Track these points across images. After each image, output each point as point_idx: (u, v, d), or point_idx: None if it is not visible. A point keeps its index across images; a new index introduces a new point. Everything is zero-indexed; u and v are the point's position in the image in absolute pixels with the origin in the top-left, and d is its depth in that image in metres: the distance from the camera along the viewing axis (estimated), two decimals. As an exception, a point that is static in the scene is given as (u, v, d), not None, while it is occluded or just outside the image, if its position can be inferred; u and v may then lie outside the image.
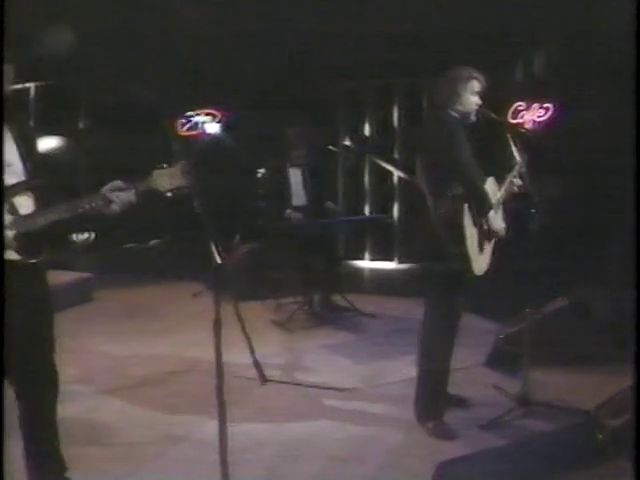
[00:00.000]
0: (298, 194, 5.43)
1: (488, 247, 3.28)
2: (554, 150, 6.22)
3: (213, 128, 8.87)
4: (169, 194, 2.40)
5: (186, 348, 4.64)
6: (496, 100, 6.32)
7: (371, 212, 7.78)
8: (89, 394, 3.86)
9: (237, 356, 4.46)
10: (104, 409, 3.67)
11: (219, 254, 2.23)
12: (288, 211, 5.30)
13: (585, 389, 3.76)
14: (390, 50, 6.86)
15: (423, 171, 3.24)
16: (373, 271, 7.53)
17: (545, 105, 6.95)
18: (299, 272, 5.33)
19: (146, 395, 3.85)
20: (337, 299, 5.54)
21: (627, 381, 2.97)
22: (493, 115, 3.26)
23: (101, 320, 5.49)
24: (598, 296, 4.65)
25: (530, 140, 3.32)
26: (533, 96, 6.95)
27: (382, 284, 6.70)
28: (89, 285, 6.27)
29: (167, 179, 2.38)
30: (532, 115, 7.04)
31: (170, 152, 8.53)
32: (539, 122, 6.99)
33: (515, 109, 7.12)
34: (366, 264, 7.77)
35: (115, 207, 2.40)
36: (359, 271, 7.54)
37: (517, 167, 3.27)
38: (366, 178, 8.18)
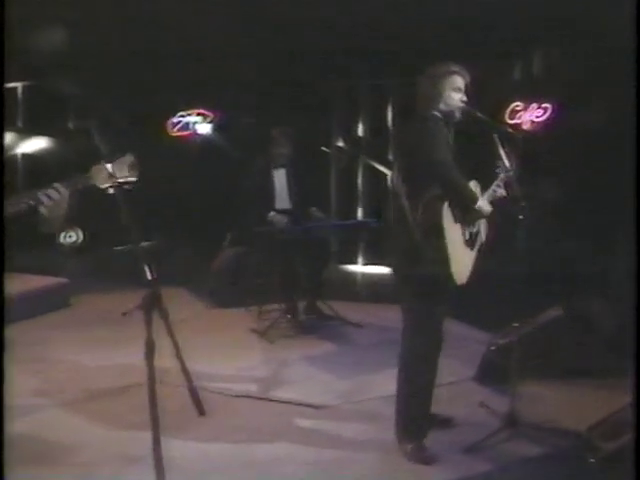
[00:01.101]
0: (282, 197, 5.19)
1: (471, 253, 3.03)
2: (550, 152, 6.03)
3: (204, 128, 8.76)
4: (111, 190, 2.19)
5: (158, 358, 4.37)
6: (493, 99, 6.24)
7: (364, 215, 7.56)
8: (47, 407, 3.63)
9: (214, 367, 4.26)
10: (60, 425, 3.44)
11: (150, 270, 1.99)
12: (271, 214, 5.04)
13: (579, 406, 3.54)
14: (384, 48, 6.66)
15: (400, 173, 2.99)
16: (365, 276, 7.29)
17: (543, 105, 6.76)
18: (282, 278, 5.08)
19: (108, 409, 3.62)
20: (323, 307, 5.29)
21: (624, 398, 2.76)
22: (479, 114, 3.01)
23: (76, 327, 5.26)
24: (599, 308, 4.42)
25: (519, 141, 3.06)
26: (531, 96, 6.76)
27: (373, 290, 6.45)
28: (66, 290, 6.04)
29: (107, 175, 2.16)
30: (530, 115, 6.86)
31: (161, 152, 8.42)
32: (537, 122, 6.80)
33: (512, 109, 6.94)
34: (358, 268, 7.54)
35: (43, 208, 2.18)
36: (350, 276, 7.31)
37: (502, 175, 3.02)
38: (359, 180, 7.98)
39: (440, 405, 3.34)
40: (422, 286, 2.91)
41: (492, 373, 4.01)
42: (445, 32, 6.14)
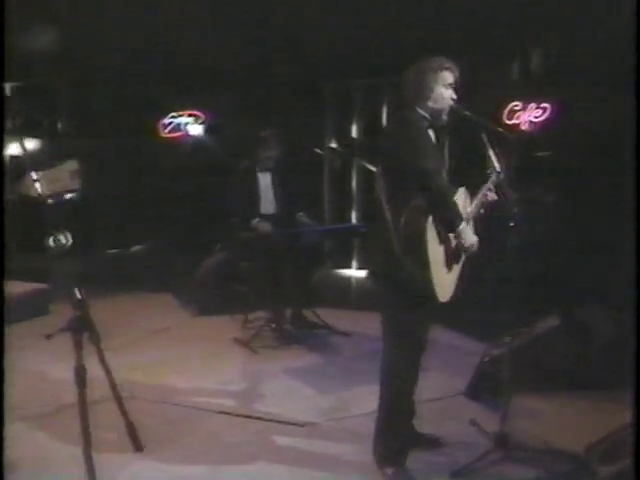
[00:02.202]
0: (267, 201, 4.96)
1: (456, 268, 2.80)
2: (549, 153, 5.84)
3: (196, 130, 8.62)
4: (50, 200, 1.98)
5: (132, 370, 4.19)
6: (490, 99, 6.05)
7: (358, 219, 7.35)
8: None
9: (191, 380, 4.05)
10: (13, 444, 3.21)
11: (80, 291, 1.79)
12: (255, 220, 4.82)
13: (577, 423, 3.35)
14: (379, 47, 6.46)
15: (381, 178, 2.77)
16: (358, 281, 7.07)
17: (542, 105, 6.55)
18: (267, 286, 4.86)
19: (69, 426, 3.38)
20: (310, 315, 5.07)
21: (625, 413, 2.55)
22: (467, 112, 2.79)
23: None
24: (599, 315, 4.22)
25: (510, 141, 2.83)
26: (530, 95, 6.54)
27: (365, 295, 6.23)
28: (45, 297, 5.83)
29: (46, 183, 1.95)
30: (529, 116, 6.66)
31: (155, 156, 8.26)
32: (536, 123, 6.61)
33: (511, 109, 6.76)
34: (352, 273, 7.33)
35: None
36: (343, 281, 7.09)
37: (492, 177, 2.80)
38: (354, 183, 7.78)
39: (427, 423, 3.16)
40: (401, 302, 2.69)
41: (485, 387, 3.81)
42: (442, 30, 5.97)
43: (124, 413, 2.67)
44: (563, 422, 3.40)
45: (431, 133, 2.79)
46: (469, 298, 3.11)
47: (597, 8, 4.87)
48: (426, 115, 2.78)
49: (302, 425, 3.36)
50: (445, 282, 2.70)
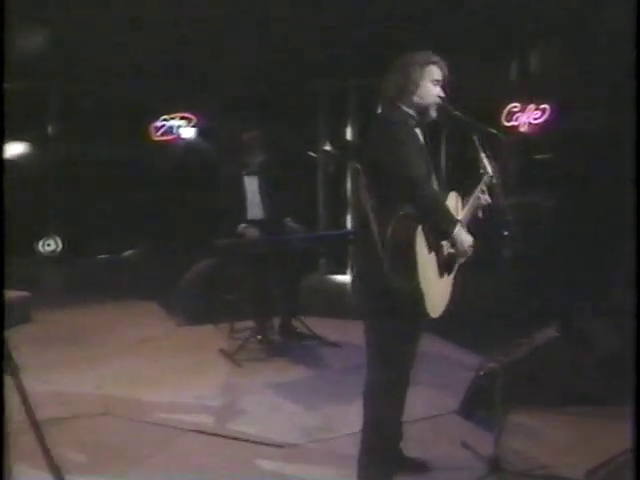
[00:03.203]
0: (254, 206, 4.75)
1: (448, 280, 2.59)
2: (548, 155, 5.66)
3: (189, 133, 8.51)
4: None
5: (110, 384, 3.99)
6: (488, 100, 5.87)
7: (353, 224, 7.15)
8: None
9: (171, 395, 3.83)
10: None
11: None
12: (242, 226, 4.60)
13: (577, 442, 3.13)
14: (375, 46, 6.28)
15: (366, 185, 2.55)
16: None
17: (542, 106, 6.41)
18: (253, 295, 4.65)
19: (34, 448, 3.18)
20: (300, 325, 4.86)
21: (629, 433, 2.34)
22: (456, 112, 2.57)
23: (29, 346, 4.80)
24: (600, 325, 4.01)
25: (502, 143, 2.62)
26: (529, 96, 6.41)
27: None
28: (28, 304, 5.64)
29: None
30: (527, 117, 6.53)
31: (147, 160, 8.11)
32: (535, 125, 6.46)
33: (509, 110, 6.62)
34: (345, 279, 7.12)
35: None
36: (339, 287, 6.88)
37: (484, 179, 2.59)
38: (348, 186, 7.59)
39: (415, 445, 2.94)
40: (388, 319, 2.48)
41: (480, 403, 3.60)
42: (439, 30, 5.81)
43: (41, 441, 2.43)
44: (562, 442, 3.18)
45: (418, 132, 2.58)
46: (463, 308, 2.90)
47: (597, 8, 4.88)
48: (411, 112, 2.57)
49: (282, 446, 3.15)
50: (436, 296, 2.49)
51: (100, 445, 3.18)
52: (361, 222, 2.56)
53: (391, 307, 2.44)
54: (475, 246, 2.50)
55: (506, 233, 2.55)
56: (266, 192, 4.74)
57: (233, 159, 4.91)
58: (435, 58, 2.58)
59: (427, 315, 2.44)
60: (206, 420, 3.46)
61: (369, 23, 6.11)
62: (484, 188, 2.59)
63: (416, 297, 2.37)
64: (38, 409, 3.57)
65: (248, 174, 4.77)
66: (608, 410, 3.29)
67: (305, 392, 3.88)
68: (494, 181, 2.59)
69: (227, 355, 4.49)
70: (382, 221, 2.42)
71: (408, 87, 2.55)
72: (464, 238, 2.45)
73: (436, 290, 2.48)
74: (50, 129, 8.88)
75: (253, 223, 4.66)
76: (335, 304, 5.95)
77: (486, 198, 2.59)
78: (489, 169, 2.59)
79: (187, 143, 8.47)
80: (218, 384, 4.02)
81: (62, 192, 8.48)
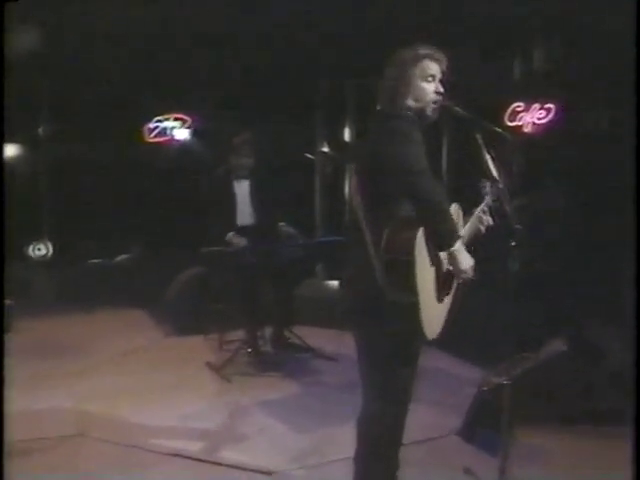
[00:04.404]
0: (244, 212, 4.49)
1: (446, 299, 2.33)
2: (554, 157, 5.43)
3: (183, 134, 8.29)
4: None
5: (89, 401, 3.73)
6: (491, 99, 5.65)
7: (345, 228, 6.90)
8: None
9: (152, 416, 3.58)
10: None
11: None
12: (230, 234, 4.34)
13: (588, 465, 2.91)
14: (374, 44, 6.04)
15: (359, 187, 2.30)
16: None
17: (546, 105, 6.13)
18: (242, 305, 4.39)
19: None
20: (292, 336, 4.61)
21: None
22: (458, 109, 2.32)
23: (6, 358, 4.58)
24: (612, 337, 3.78)
25: (510, 143, 2.37)
26: (533, 95, 6.14)
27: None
28: (7, 313, 5.37)
29: None
30: (532, 117, 6.29)
31: (140, 161, 7.90)
32: (539, 125, 6.22)
33: (513, 110, 6.39)
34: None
35: None
36: (333, 294, 6.62)
37: (488, 190, 2.34)
38: (346, 189, 7.34)
39: (414, 471, 2.69)
40: (382, 342, 2.22)
41: (483, 422, 3.36)
42: (441, 27, 5.58)
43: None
44: (574, 465, 2.96)
45: (419, 135, 2.32)
46: (463, 318, 2.65)
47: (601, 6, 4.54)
48: (410, 114, 2.31)
49: (269, 473, 2.90)
50: (435, 315, 2.23)
51: (72, 470, 2.94)
52: (352, 226, 2.30)
53: (385, 324, 2.20)
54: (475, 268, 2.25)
55: (514, 243, 2.30)
56: (257, 197, 4.49)
57: (222, 162, 4.66)
58: (427, 50, 2.32)
59: (424, 336, 2.18)
60: (189, 444, 3.20)
61: (368, 20, 5.89)
62: (486, 209, 2.33)
63: (414, 314, 2.11)
64: (6, 428, 3.37)
65: (237, 178, 4.52)
66: (624, 430, 3.04)
67: (296, 411, 3.62)
68: (500, 186, 2.34)
69: (215, 369, 4.23)
70: (376, 228, 2.16)
71: (399, 91, 2.28)
72: (464, 257, 2.16)
73: (435, 308, 2.23)
74: (41, 130, 8.66)
75: (243, 229, 4.41)
76: (332, 312, 5.70)
77: (488, 219, 2.34)
78: (494, 172, 2.34)
79: (181, 145, 8.26)
80: (203, 402, 3.76)
81: (54, 194, 8.27)
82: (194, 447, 3.16)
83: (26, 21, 5.85)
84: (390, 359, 2.24)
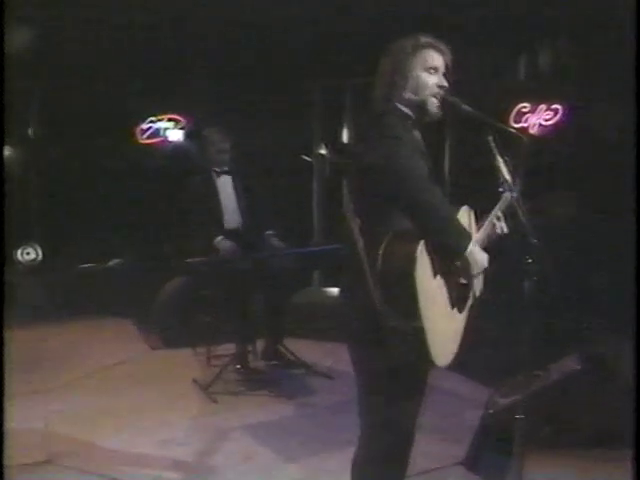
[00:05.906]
0: (230, 213, 4.20)
1: (459, 318, 2.02)
2: (562, 160, 5.22)
3: (176, 135, 8.09)
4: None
5: (62, 421, 3.45)
6: (496, 100, 5.42)
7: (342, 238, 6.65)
8: None
9: (128, 441, 3.28)
10: None
11: None
12: (218, 239, 4.04)
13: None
14: (375, 44, 5.84)
15: (352, 196, 2.02)
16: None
17: (553, 106, 5.94)
18: (231, 319, 4.11)
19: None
20: (286, 351, 4.32)
21: None
22: (466, 107, 2.04)
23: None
24: (628, 353, 3.51)
25: (525, 145, 2.08)
26: (539, 96, 5.95)
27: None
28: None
29: None
30: (538, 118, 6.12)
31: (132, 163, 7.70)
32: (546, 126, 6.05)
33: (518, 111, 6.22)
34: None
35: None
36: (331, 302, 6.36)
37: (505, 196, 2.05)
38: (345, 192, 7.10)
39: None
40: (382, 375, 1.93)
41: (490, 448, 3.09)
42: (445, 27, 5.38)
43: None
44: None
45: (417, 135, 2.05)
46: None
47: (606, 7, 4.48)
48: (407, 111, 2.03)
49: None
50: (446, 339, 1.93)
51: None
52: (347, 239, 2.02)
53: (385, 353, 1.91)
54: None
55: (530, 260, 2.01)
56: (242, 194, 4.19)
57: (201, 160, 4.40)
58: (429, 40, 2.04)
59: (432, 363, 1.89)
60: (168, 474, 2.91)
61: (367, 18, 5.69)
62: (499, 214, 2.04)
63: (419, 339, 1.81)
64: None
65: (219, 175, 4.23)
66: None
67: (285, 436, 3.32)
68: (514, 194, 2.04)
69: (201, 387, 3.94)
70: (372, 243, 1.87)
71: (396, 81, 2.01)
72: (480, 257, 1.88)
73: (445, 331, 1.93)
74: (31, 132, 8.44)
75: (230, 233, 4.11)
76: (330, 322, 5.42)
77: (502, 226, 2.04)
78: (509, 179, 2.05)
79: (174, 146, 8.04)
80: (186, 425, 3.47)
81: (44, 197, 8.07)
82: (171, 477, 2.87)
83: (17, 20, 5.68)
84: (393, 390, 1.95)
